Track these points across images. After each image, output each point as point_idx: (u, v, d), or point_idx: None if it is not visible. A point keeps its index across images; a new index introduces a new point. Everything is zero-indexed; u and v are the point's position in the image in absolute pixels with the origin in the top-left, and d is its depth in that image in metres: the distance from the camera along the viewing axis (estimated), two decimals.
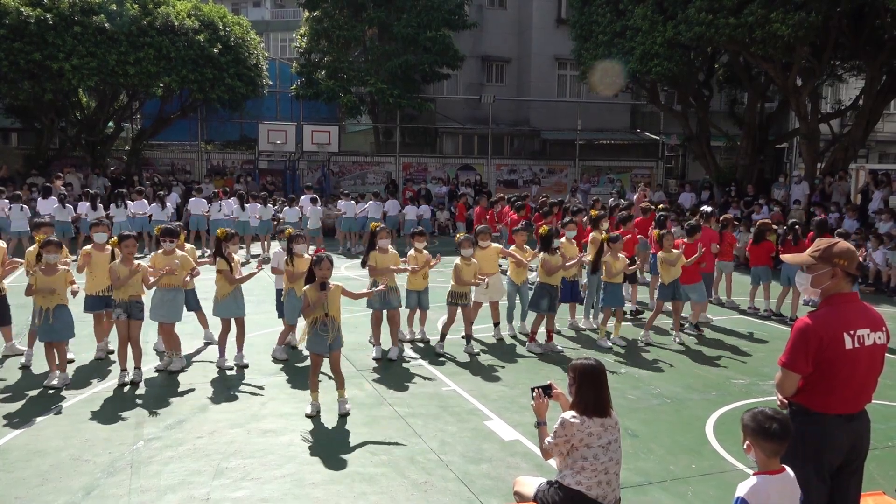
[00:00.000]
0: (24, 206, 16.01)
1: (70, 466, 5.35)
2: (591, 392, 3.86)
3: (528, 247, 9.63)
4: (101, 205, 17.01)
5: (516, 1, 29.84)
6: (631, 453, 5.70)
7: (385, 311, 8.52)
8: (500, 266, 9.88)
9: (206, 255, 9.33)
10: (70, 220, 16.39)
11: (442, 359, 8.45)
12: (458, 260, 8.70)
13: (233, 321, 7.98)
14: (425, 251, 8.84)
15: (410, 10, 25.02)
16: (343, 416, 6.43)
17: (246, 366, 7.96)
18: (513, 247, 9.52)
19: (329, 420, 6.41)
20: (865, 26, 18.01)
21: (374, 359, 8.37)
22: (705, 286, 10.45)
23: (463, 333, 8.83)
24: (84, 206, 16.62)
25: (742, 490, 3.23)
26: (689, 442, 6.08)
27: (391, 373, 7.88)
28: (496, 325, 9.47)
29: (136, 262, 7.33)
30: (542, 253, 8.86)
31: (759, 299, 11.62)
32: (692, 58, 20.33)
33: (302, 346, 6.49)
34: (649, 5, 19.10)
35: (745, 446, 3.32)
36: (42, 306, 7.05)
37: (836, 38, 18.11)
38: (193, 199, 18.06)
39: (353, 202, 18.90)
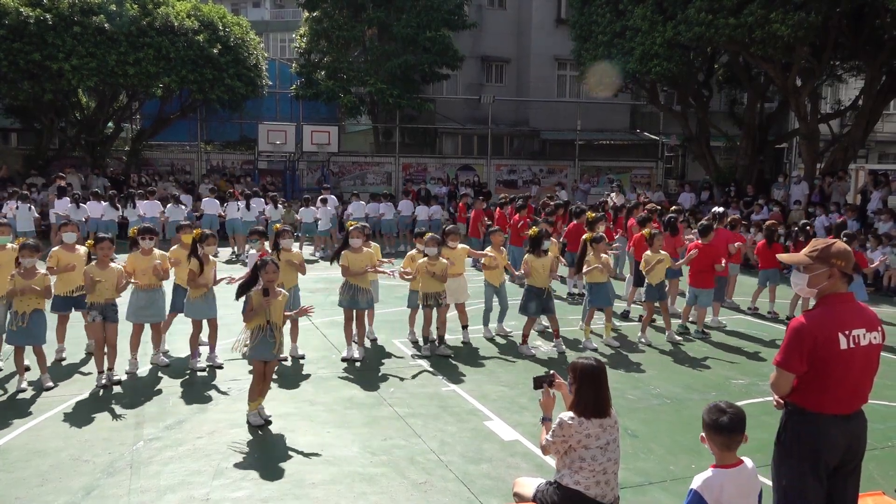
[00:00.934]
0: (31, 206, 16.00)
1: (70, 466, 5.35)
2: (591, 392, 3.86)
3: (504, 248, 9.58)
4: (123, 206, 16.99)
5: (516, 1, 29.84)
6: (631, 453, 5.71)
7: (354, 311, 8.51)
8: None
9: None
10: (84, 220, 16.31)
11: (442, 359, 8.45)
12: (421, 260, 8.57)
13: (205, 322, 7.91)
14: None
15: (410, 10, 25.02)
16: (254, 426, 6.18)
17: (220, 366, 7.89)
18: (489, 248, 9.46)
19: (329, 420, 6.41)
20: (865, 26, 18.01)
21: (342, 358, 8.32)
22: (717, 290, 10.34)
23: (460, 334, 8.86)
24: (92, 206, 16.63)
25: (696, 482, 3.32)
26: (689, 442, 6.08)
27: (391, 373, 7.87)
28: (465, 327, 9.33)
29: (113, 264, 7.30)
30: (527, 254, 8.79)
31: (762, 300, 11.62)
32: (692, 58, 20.34)
33: (239, 352, 6.36)
34: (649, 5, 19.10)
35: (700, 437, 3.42)
36: (18, 310, 6.95)
37: (836, 38, 18.11)
38: (206, 199, 18.07)
39: (362, 203, 18.85)
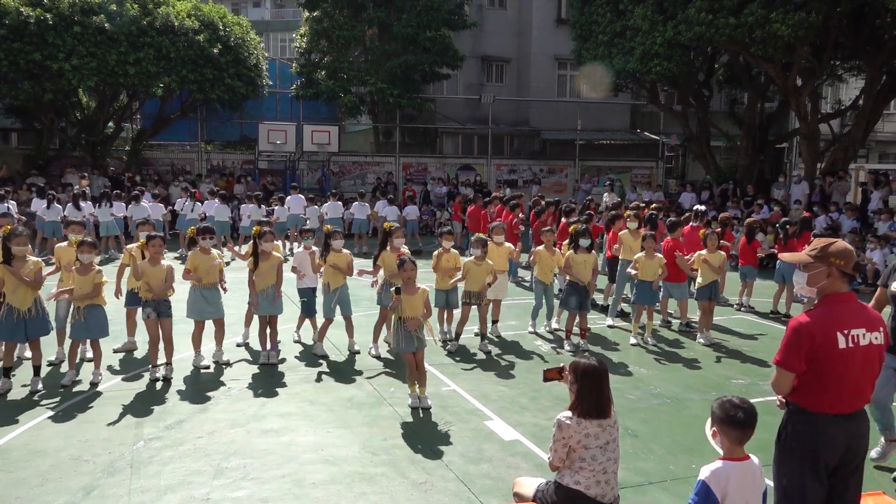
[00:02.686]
0: (8, 206, 15.81)
1: (70, 466, 5.35)
2: (592, 393, 3.83)
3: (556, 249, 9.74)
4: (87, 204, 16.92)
5: (516, 1, 29.83)
6: (631, 453, 5.71)
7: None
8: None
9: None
10: (59, 219, 16.27)
11: (442, 359, 8.45)
12: (468, 259, 8.75)
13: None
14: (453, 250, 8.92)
15: (410, 10, 25.02)
16: (425, 410, 6.63)
17: (282, 361, 8.12)
18: (541, 247, 9.58)
19: (329, 420, 6.41)
20: (865, 26, 18.01)
21: (374, 356, 8.48)
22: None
23: (476, 331, 8.98)
24: (88, 206, 16.61)
25: (704, 473, 3.36)
26: (689, 442, 6.08)
27: (391, 373, 7.87)
28: (494, 322, 9.54)
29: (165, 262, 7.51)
30: (569, 251, 9.01)
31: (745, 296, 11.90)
32: (692, 58, 20.34)
33: (391, 347, 6.77)
34: (649, 5, 19.10)
35: (711, 432, 3.43)
36: (75, 304, 7.12)
37: (836, 38, 18.11)
38: (180, 199, 18.16)
39: (339, 203, 18.83)
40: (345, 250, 8.53)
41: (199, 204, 17.76)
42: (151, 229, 8.60)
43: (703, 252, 9.58)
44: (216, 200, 17.56)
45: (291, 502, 4.90)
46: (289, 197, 18.68)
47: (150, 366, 7.45)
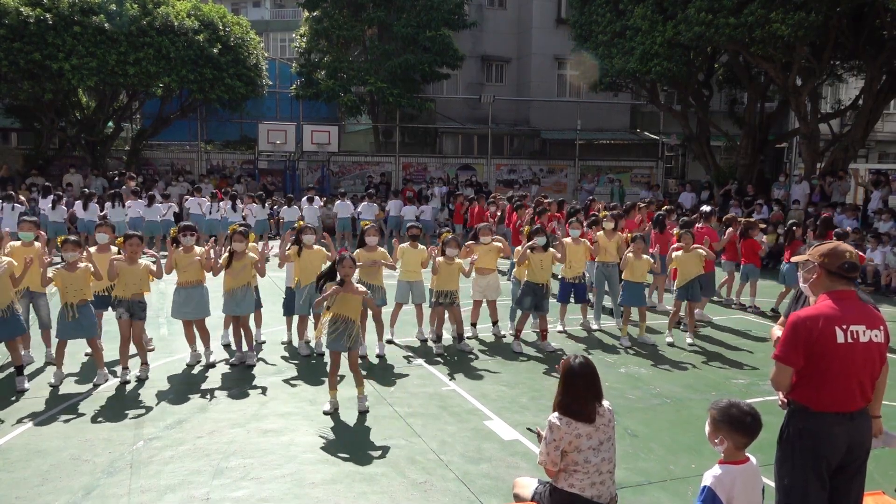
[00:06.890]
0: (14, 205, 15.85)
1: (70, 466, 5.35)
2: (570, 392, 3.78)
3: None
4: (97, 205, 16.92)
5: (516, 1, 29.85)
6: (631, 453, 5.72)
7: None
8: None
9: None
10: (63, 219, 16.29)
11: (441, 359, 8.45)
12: (440, 259, 8.62)
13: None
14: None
15: (410, 9, 25.03)
16: (362, 413, 6.52)
17: (253, 365, 8.00)
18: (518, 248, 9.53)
19: (329, 420, 6.41)
20: (865, 26, 18.02)
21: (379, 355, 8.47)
22: (706, 285, 10.46)
23: (455, 332, 8.93)
24: (94, 207, 16.59)
25: (708, 479, 3.36)
26: (689, 442, 6.08)
27: (391, 373, 7.87)
28: (495, 323, 9.51)
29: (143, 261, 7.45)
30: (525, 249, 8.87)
31: (745, 297, 11.92)
32: (692, 58, 20.34)
33: (321, 340, 6.69)
34: (649, 5, 19.11)
35: (717, 440, 3.41)
36: (68, 302, 7.07)
37: (836, 38, 18.12)
38: (192, 199, 18.12)
39: (349, 203, 18.93)
40: (314, 246, 8.44)
41: (219, 205, 17.77)
42: (109, 231, 8.26)
43: (678, 253, 9.41)
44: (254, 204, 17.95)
45: (291, 502, 4.90)
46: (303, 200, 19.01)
47: (121, 367, 7.35)
